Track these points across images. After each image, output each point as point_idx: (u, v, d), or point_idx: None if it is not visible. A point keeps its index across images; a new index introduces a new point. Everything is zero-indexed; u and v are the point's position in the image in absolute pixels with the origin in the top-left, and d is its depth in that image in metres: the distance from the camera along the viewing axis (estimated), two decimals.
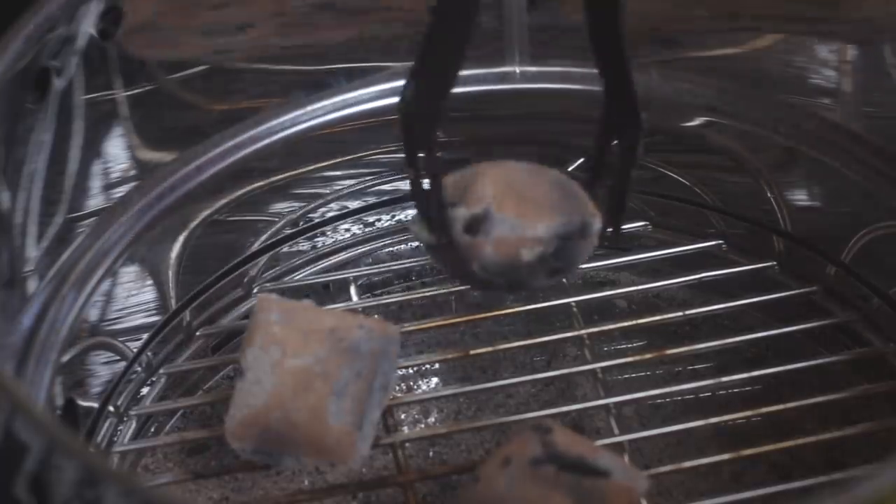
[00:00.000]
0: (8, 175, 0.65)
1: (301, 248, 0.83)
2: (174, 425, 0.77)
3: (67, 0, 0.67)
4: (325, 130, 0.79)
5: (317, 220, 0.83)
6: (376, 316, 0.76)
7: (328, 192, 0.83)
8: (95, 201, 0.73)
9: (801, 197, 0.80)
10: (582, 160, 0.84)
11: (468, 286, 0.71)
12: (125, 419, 0.73)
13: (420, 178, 0.62)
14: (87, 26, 0.69)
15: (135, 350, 0.75)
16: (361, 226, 0.84)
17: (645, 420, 0.76)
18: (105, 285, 0.72)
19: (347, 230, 0.84)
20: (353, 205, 0.84)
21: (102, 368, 0.74)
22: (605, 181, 0.66)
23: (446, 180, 0.65)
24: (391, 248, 0.84)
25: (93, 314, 0.73)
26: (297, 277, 0.82)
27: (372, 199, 0.84)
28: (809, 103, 0.77)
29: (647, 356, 0.72)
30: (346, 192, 0.83)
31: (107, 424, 0.72)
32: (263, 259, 0.81)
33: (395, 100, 0.79)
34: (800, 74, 0.78)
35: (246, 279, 0.81)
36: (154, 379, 0.76)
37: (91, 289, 0.70)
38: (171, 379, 0.77)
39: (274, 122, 0.78)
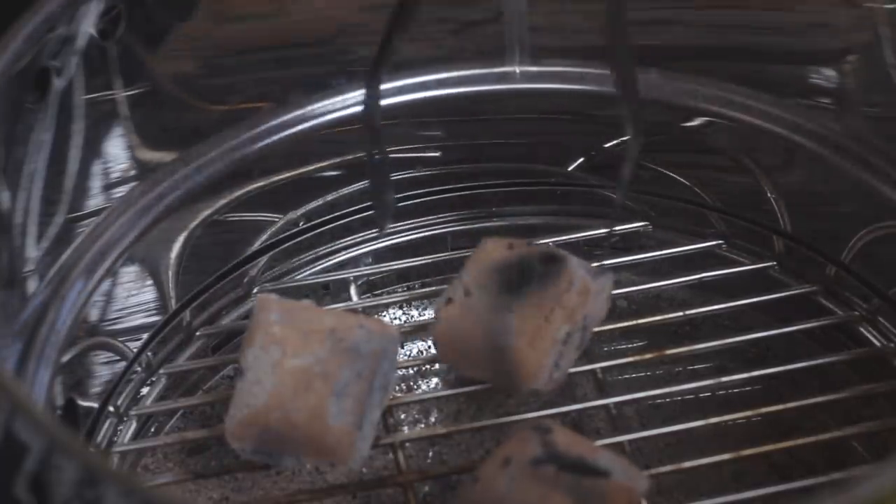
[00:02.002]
0: (8, 175, 0.65)
1: (301, 248, 0.83)
2: (174, 425, 0.77)
3: (67, 0, 0.67)
4: (325, 130, 0.79)
5: (317, 220, 0.83)
6: (376, 316, 0.76)
7: (328, 192, 0.83)
8: (95, 201, 0.73)
9: (801, 197, 0.80)
10: (582, 160, 0.85)
11: None
12: (125, 419, 0.73)
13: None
14: (87, 26, 0.69)
15: (135, 350, 0.75)
16: (361, 226, 0.84)
17: (645, 420, 0.76)
18: (105, 285, 0.72)
19: (347, 230, 0.84)
20: (353, 205, 0.84)
21: (102, 368, 0.74)
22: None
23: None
24: (392, 248, 0.84)
25: (93, 314, 0.73)
26: (297, 277, 0.82)
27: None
28: (809, 103, 0.77)
29: (647, 356, 0.72)
30: (345, 192, 0.83)
31: (107, 424, 0.72)
32: (263, 259, 0.81)
33: (396, 100, 0.80)
34: (800, 74, 0.78)
35: (246, 279, 0.81)
36: (154, 379, 0.76)
37: (91, 289, 0.70)
38: (171, 379, 0.77)
39: (274, 122, 0.78)
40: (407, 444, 0.69)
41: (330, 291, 0.84)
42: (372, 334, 0.64)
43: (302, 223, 0.83)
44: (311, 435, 0.61)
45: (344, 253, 0.83)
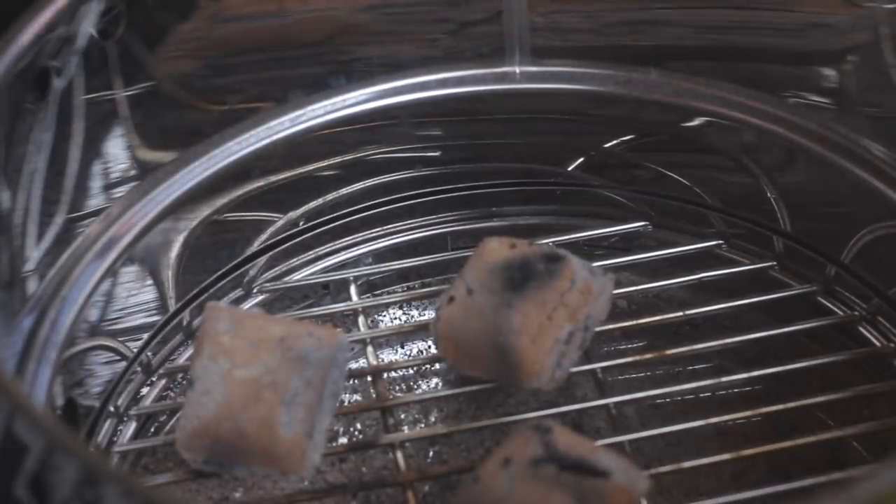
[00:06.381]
0: (8, 175, 0.65)
1: (301, 248, 0.83)
2: (174, 425, 0.77)
3: (68, 0, 0.67)
4: (325, 130, 0.79)
5: (317, 220, 0.83)
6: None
7: (328, 192, 0.83)
8: (95, 201, 0.73)
9: (801, 197, 0.80)
10: (582, 159, 0.85)
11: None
12: (125, 419, 0.73)
13: None
14: (87, 26, 0.69)
15: (135, 350, 0.75)
16: (361, 226, 0.84)
17: (645, 420, 0.76)
18: (105, 285, 0.72)
19: (347, 230, 0.84)
20: (353, 205, 0.84)
21: (102, 368, 0.74)
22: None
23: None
24: (392, 248, 0.84)
25: (93, 314, 0.73)
26: (297, 277, 0.82)
27: (371, 200, 0.84)
28: (809, 103, 0.77)
29: (647, 356, 0.72)
30: (346, 192, 0.83)
31: (107, 424, 0.72)
32: (263, 259, 0.81)
33: (396, 100, 0.80)
34: (800, 74, 0.78)
35: (246, 279, 0.81)
36: (154, 379, 0.76)
37: (91, 289, 0.70)
38: (171, 379, 0.77)
39: (274, 122, 0.78)
40: (407, 444, 0.69)
41: (330, 291, 0.84)
42: (321, 342, 0.64)
43: (302, 223, 0.83)
44: (262, 445, 0.61)
45: (344, 253, 0.83)
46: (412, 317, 0.85)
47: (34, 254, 0.68)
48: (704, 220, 0.82)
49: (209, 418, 0.61)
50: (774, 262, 0.79)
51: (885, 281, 0.75)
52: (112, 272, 0.72)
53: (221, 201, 0.79)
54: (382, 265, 0.82)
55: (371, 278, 0.84)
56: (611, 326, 0.73)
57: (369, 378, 0.73)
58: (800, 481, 0.64)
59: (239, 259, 0.80)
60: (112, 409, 0.73)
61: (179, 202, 0.75)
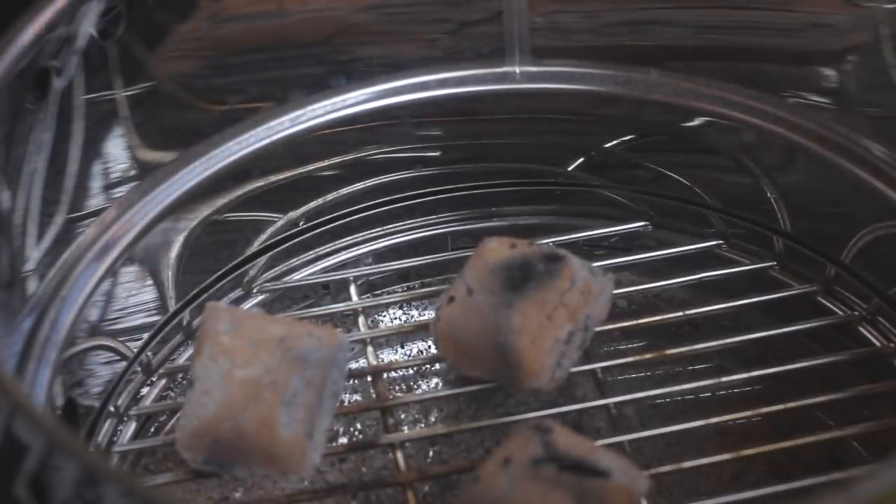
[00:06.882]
0: (8, 175, 0.65)
1: (301, 248, 0.83)
2: (174, 425, 0.77)
3: (68, 0, 0.67)
4: (325, 130, 0.79)
5: (317, 220, 0.83)
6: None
7: (328, 192, 0.83)
8: (95, 201, 0.73)
9: (801, 197, 0.80)
10: (582, 160, 0.85)
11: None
12: (125, 419, 0.73)
13: None
14: (87, 26, 0.69)
15: (135, 350, 0.75)
16: (361, 226, 0.84)
17: (645, 420, 0.76)
18: (105, 285, 0.72)
19: (347, 230, 0.84)
20: (353, 205, 0.84)
21: (102, 368, 0.74)
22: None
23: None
24: (392, 248, 0.84)
25: (93, 314, 0.73)
26: (297, 277, 0.82)
27: (372, 200, 0.84)
28: (809, 103, 0.77)
29: (647, 356, 0.72)
30: (346, 192, 0.83)
31: (107, 424, 0.72)
32: (263, 259, 0.81)
33: (396, 100, 0.80)
34: (800, 74, 0.78)
35: (246, 279, 0.81)
36: (154, 379, 0.76)
37: (91, 289, 0.70)
38: (170, 379, 0.77)
39: (274, 122, 0.78)
40: (407, 444, 0.69)
41: (330, 291, 0.84)
42: (321, 342, 0.64)
43: (302, 223, 0.83)
44: (262, 445, 0.61)
45: (344, 253, 0.83)
46: (412, 317, 0.85)
47: (34, 254, 0.68)
48: (704, 220, 0.82)
49: (209, 418, 0.61)
50: (774, 262, 0.79)
51: (885, 281, 0.75)
52: (112, 272, 0.72)
53: (221, 201, 0.79)
54: (382, 265, 0.82)
55: (371, 278, 0.84)
56: (611, 326, 0.73)
57: (369, 378, 0.73)
58: (800, 481, 0.64)
59: (239, 259, 0.80)
60: (112, 409, 0.73)
61: (179, 202, 0.75)
